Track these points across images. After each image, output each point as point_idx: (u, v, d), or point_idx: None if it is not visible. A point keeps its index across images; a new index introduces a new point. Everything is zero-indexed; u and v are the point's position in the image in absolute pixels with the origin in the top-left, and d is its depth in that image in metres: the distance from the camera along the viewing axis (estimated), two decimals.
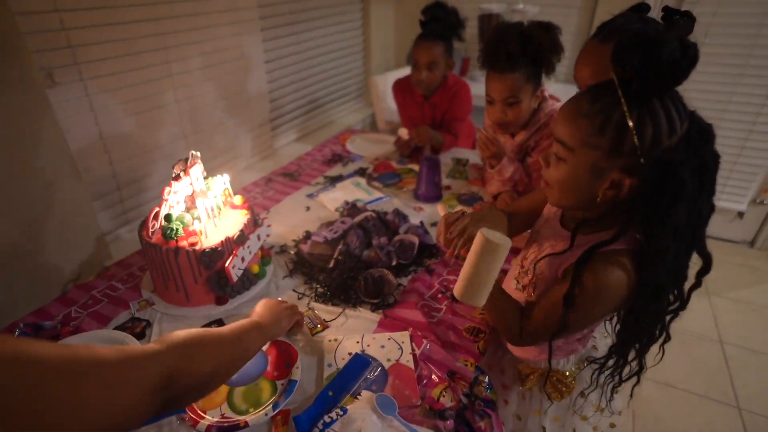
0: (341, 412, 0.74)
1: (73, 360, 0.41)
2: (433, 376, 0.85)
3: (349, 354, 0.88)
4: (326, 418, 0.73)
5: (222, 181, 1.12)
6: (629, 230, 0.67)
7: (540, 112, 1.31)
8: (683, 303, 0.70)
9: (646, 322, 0.71)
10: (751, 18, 2.15)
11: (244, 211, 1.09)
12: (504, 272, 1.02)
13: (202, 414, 0.77)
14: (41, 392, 0.38)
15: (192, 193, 1.04)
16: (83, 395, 0.41)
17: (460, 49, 2.73)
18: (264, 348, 0.90)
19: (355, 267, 1.11)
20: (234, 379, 0.83)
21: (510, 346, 0.95)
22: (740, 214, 2.52)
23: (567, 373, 0.90)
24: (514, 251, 0.93)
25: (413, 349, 0.90)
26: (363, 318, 1.00)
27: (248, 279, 1.05)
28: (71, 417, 0.40)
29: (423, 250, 1.18)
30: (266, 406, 0.78)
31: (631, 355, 0.75)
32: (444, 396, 0.81)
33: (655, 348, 0.74)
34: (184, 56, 1.61)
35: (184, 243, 0.96)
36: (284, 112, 2.29)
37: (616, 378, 0.77)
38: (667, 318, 0.71)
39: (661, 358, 0.74)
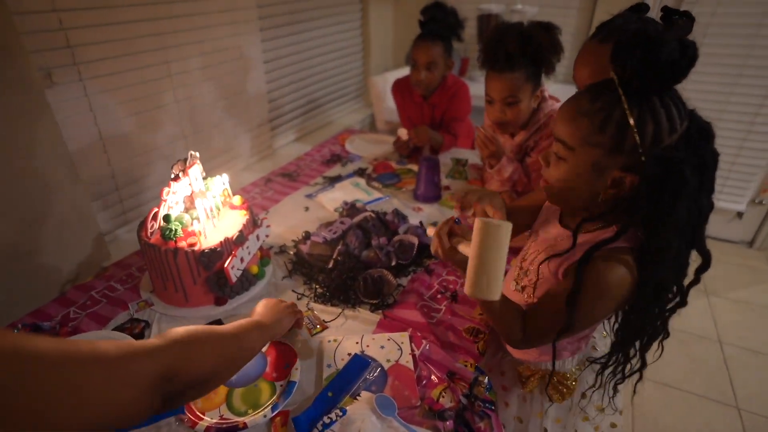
0: (341, 413, 0.74)
1: (74, 355, 0.41)
2: (433, 377, 0.85)
3: (349, 354, 0.88)
4: (325, 419, 0.73)
5: (221, 182, 1.12)
6: (630, 228, 0.67)
7: (540, 112, 1.31)
8: (683, 299, 0.70)
9: (648, 319, 0.71)
10: (749, 18, 2.16)
11: (243, 212, 1.09)
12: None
13: (201, 415, 0.77)
14: (42, 387, 0.38)
15: (191, 194, 1.04)
16: (83, 390, 0.41)
17: (459, 50, 2.73)
18: (263, 349, 0.90)
19: (354, 267, 1.11)
20: (233, 380, 0.83)
21: (510, 348, 0.95)
22: (739, 215, 2.53)
23: (568, 374, 0.90)
24: (514, 251, 0.93)
25: (413, 350, 0.90)
26: (362, 318, 1.00)
27: (247, 279, 1.05)
28: (71, 412, 0.40)
29: (422, 251, 1.18)
30: (265, 408, 0.78)
31: (632, 352, 0.75)
32: (443, 397, 0.81)
33: (653, 345, 0.74)
34: (183, 56, 1.61)
35: (183, 243, 0.96)
36: (283, 113, 2.29)
37: (619, 375, 0.77)
38: (667, 314, 0.71)
39: (660, 355, 0.74)
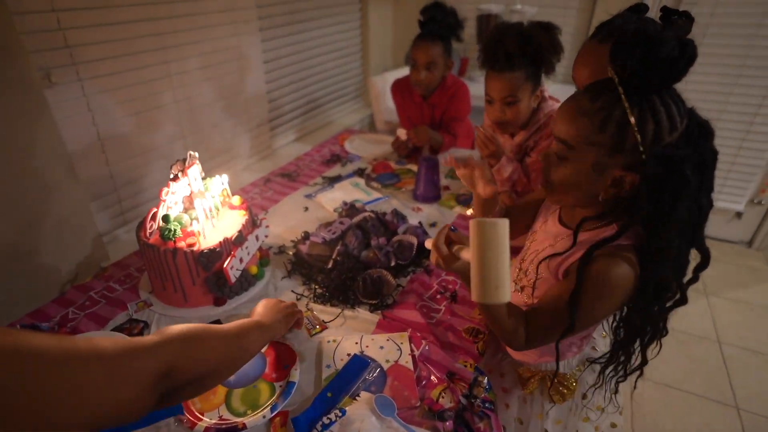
0: (340, 414, 0.74)
1: (73, 352, 0.41)
2: (432, 377, 0.84)
3: (348, 355, 0.88)
4: (325, 420, 0.73)
5: (220, 182, 1.12)
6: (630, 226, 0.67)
7: (539, 112, 1.31)
8: (683, 297, 0.70)
9: (649, 317, 0.71)
10: (748, 18, 2.16)
11: (243, 212, 1.08)
12: None
13: (200, 416, 0.77)
14: (42, 386, 0.38)
15: (190, 194, 1.04)
16: (84, 389, 0.41)
17: (458, 50, 2.73)
18: (263, 349, 0.90)
19: (353, 267, 1.10)
20: (232, 380, 0.83)
21: (509, 350, 0.95)
22: (738, 215, 2.53)
23: (568, 375, 0.90)
24: (514, 251, 0.92)
25: (412, 350, 0.90)
26: (362, 319, 1.00)
27: (246, 280, 1.05)
28: (72, 411, 0.40)
29: (422, 251, 1.18)
30: (264, 408, 0.78)
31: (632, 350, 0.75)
32: (443, 397, 0.81)
33: (653, 343, 0.74)
34: (183, 56, 1.61)
35: (182, 244, 0.95)
36: (283, 113, 2.29)
37: (621, 373, 0.77)
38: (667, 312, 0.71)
39: (658, 352, 0.74)
